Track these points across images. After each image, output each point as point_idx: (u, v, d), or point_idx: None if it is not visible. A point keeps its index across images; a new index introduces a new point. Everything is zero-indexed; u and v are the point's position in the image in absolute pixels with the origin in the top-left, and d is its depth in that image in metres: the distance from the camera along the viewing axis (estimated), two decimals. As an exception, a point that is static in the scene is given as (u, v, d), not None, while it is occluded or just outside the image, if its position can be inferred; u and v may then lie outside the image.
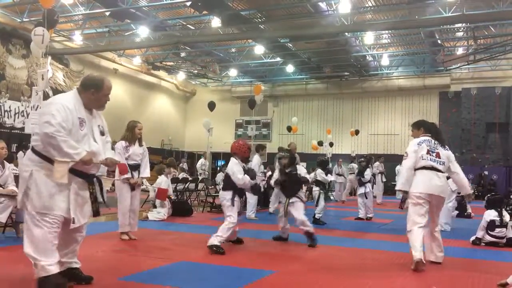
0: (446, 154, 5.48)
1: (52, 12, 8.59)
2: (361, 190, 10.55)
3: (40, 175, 3.66)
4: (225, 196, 5.92)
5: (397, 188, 5.54)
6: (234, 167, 5.90)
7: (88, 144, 3.80)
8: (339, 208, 14.31)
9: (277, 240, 6.84)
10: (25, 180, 3.71)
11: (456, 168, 5.56)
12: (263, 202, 11.69)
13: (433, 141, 5.50)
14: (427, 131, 5.64)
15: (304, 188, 7.66)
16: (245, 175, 5.94)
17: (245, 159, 6.22)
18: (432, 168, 5.32)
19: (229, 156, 6.18)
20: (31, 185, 3.67)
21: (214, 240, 5.69)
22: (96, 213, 3.98)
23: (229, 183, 5.95)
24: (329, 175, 9.62)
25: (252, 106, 16.23)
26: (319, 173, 9.40)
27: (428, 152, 5.38)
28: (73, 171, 3.71)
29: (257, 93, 15.88)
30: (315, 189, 9.48)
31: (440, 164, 5.38)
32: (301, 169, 7.10)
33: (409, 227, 5.28)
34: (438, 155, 5.40)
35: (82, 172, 3.79)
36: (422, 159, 5.33)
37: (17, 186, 6.17)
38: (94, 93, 3.90)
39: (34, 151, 3.75)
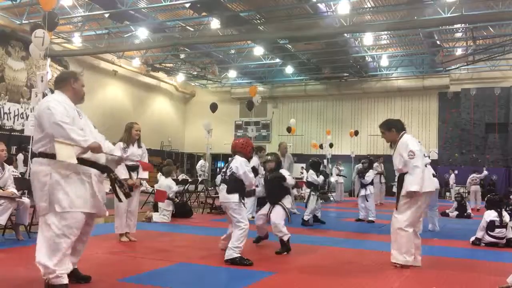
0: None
1: (53, 14, 8.58)
2: (362, 192, 10.43)
3: (60, 174, 3.65)
4: (232, 199, 5.29)
5: (416, 189, 5.07)
6: (245, 167, 5.37)
7: (90, 133, 3.88)
8: (340, 209, 14.31)
9: (258, 241, 6.62)
10: (45, 184, 3.64)
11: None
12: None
13: None
14: (401, 130, 5.52)
15: (294, 192, 6.99)
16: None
17: (248, 159, 5.69)
18: (425, 166, 5.38)
19: (229, 157, 5.89)
20: (55, 186, 3.63)
21: (233, 253, 5.13)
22: (128, 195, 4.05)
23: (236, 185, 5.33)
24: (320, 176, 9.39)
25: (250, 107, 16.24)
26: (310, 174, 9.30)
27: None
28: (88, 163, 3.76)
29: (253, 95, 15.88)
30: (307, 190, 9.38)
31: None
32: (284, 172, 6.67)
33: (404, 226, 5.14)
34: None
35: (96, 163, 3.82)
36: (424, 157, 5.35)
37: (17, 188, 6.21)
38: (74, 83, 3.98)
39: (43, 155, 3.71)
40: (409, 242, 5.15)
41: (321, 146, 22.07)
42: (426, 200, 5.37)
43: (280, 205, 6.27)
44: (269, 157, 6.70)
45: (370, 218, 10.15)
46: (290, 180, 6.48)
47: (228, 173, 5.40)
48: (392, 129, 5.53)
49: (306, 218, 9.10)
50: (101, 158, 3.88)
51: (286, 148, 10.43)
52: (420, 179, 5.10)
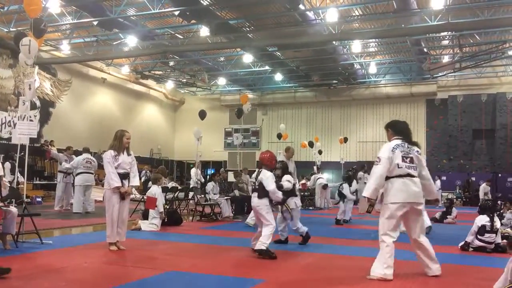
0: (418, 158, 5.23)
1: (39, 21, 8.49)
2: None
3: None
4: (263, 204, 6.26)
5: (364, 195, 4.97)
6: (270, 179, 6.30)
7: None
8: (332, 216, 14.31)
9: (277, 243, 7.27)
10: None
11: (427, 174, 5.30)
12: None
13: (406, 144, 5.20)
14: (398, 133, 5.32)
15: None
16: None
17: (272, 170, 6.68)
18: (407, 175, 5.06)
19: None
20: None
21: (261, 246, 6.04)
22: None
23: (264, 192, 6.30)
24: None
25: (239, 115, 16.23)
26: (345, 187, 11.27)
27: (402, 158, 5.07)
28: None
29: (244, 102, 15.88)
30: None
31: (414, 169, 5.11)
32: (286, 179, 7.29)
33: (381, 234, 5.01)
34: (411, 160, 5.12)
35: None
36: (398, 167, 5.03)
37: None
38: None
39: None
40: (387, 253, 4.89)
41: (310, 144, 22.05)
42: (405, 210, 5.01)
43: (286, 208, 7.25)
44: (277, 165, 7.33)
45: (345, 218, 11.56)
46: (289, 187, 7.16)
47: (257, 183, 6.40)
48: (388, 129, 5.50)
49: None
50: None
51: (293, 153, 10.65)
52: (373, 185, 4.97)
